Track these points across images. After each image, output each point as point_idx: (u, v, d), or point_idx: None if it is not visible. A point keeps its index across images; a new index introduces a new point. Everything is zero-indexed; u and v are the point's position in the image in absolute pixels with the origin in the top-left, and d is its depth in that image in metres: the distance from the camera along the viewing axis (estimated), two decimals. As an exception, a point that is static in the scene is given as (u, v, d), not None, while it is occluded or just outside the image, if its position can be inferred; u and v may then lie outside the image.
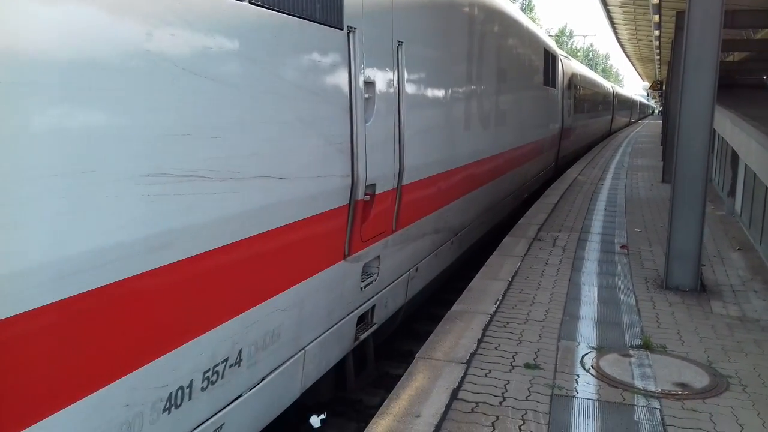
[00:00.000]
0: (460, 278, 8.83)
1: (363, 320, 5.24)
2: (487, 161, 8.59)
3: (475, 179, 8.11)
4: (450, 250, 7.53)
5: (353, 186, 4.47)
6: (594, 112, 29.28)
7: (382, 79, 4.89)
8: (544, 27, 73.35)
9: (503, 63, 9.35)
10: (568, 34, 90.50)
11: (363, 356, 5.81)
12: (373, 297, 5.24)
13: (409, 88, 5.52)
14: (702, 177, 6.87)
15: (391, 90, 5.08)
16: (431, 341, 5.31)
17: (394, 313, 5.95)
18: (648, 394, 4.40)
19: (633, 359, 4.99)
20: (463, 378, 4.60)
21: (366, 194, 4.67)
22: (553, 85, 15.44)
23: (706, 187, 6.91)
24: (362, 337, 5.19)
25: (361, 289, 4.96)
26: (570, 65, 20.24)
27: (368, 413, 5.54)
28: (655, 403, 4.28)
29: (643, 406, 4.23)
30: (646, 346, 5.22)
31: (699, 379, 4.65)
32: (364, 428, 3.98)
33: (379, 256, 5.18)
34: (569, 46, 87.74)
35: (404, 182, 5.39)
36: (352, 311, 4.88)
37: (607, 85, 40.58)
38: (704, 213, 6.92)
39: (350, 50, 4.35)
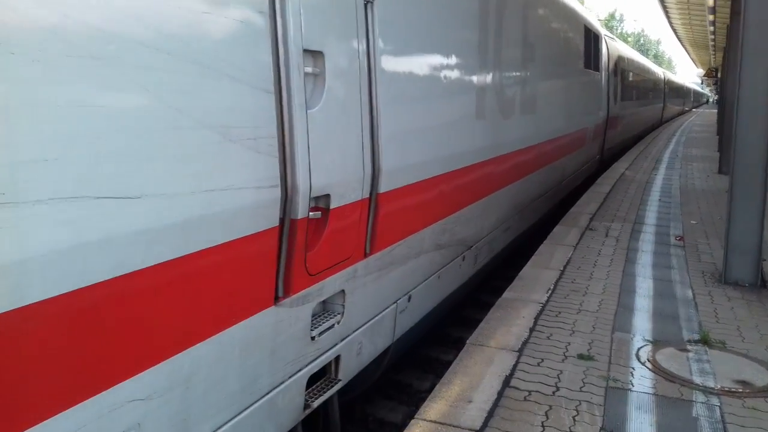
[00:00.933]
0: (510, 266, 8.76)
1: (324, 374, 4.03)
2: (510, 157, 7.25)
3: (495, 179, 6.81)
4: (462, 268, 6.23)
5: (286, 200, 3.20)
6: (644, 99, 27.39)
7: (338, 47, 3.59)
8: (593, 11, 71.64)
9: (531, 38, 7.90)
10: (618, 18, 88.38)
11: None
12: (335, 346, 3.97)
13: (389, 63, 4.20)
14: (762, 167, 6.63)
15: (356, 64, 3.78)
16: (482, 328, 5.28)
17: (378, 356, 4.68)
18: (707, 391, 4.30)
19: (691, 354, 4.88)
20: (515, 366, 4.57)
21: (314, 209, 3.43)
22: (597, 68, 13.68)
23: (766, 178, 6.68)
24: (318, 401, 3.85)
25: (313, 338, 3.69)
26: (616, 47, 18.73)
27: (419, 397, 5.56)
28: (715, 400, 4.18)
29: (702, 403, 4.13)
30: (705, 341, 5.10)
31: (760, 377, 4.52)
32: (415, 412, 4.00)
33: (343, 291, 3.94)
34: (619, 31, 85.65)
35: (382, 189, 4.14)
36: (297, 371, 3.59)
37: (658, 71, 38.68)
38: (765, 205, 6.69)
39: (276, 4, 3.10)
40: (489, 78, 6.40)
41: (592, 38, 12.90)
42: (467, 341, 5.00)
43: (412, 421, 3.80)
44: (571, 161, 11.81)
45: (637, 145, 24.41)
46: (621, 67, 18.97)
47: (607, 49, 16.04)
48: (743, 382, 4.44)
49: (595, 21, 15.04)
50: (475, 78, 6.00)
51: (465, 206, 5.91)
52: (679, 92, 56.30)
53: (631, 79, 22.20)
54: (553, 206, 10.81)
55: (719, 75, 32.64)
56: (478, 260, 6.80)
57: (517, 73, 7.49)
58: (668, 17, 40.73)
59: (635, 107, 23.83)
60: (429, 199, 5.04)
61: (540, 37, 8.53)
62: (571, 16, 10.98)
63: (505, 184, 7.24)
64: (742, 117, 6.69)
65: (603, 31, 16.29)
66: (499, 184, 6.98)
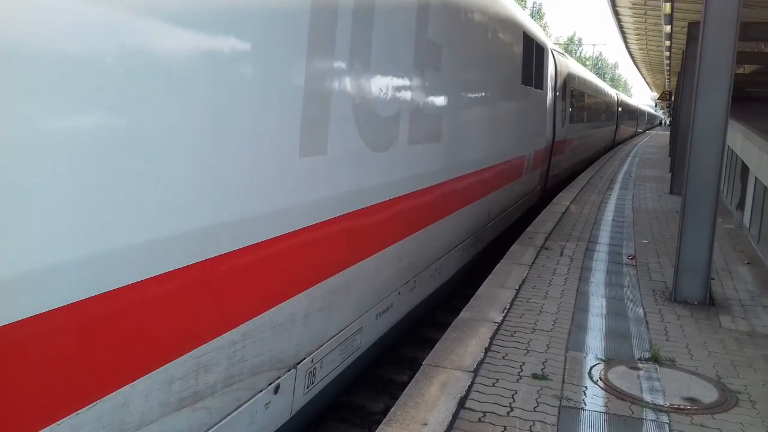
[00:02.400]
0: (468, 285, 8.80)
1: None
2: (394, 205, 5.16)
3: (365, 240, 4.75)
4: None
5: None
6: (596, 121, 25.71)
7: None
8: (553, 35, 73.19)
9: (438, 43, 5.83)
10: (577, 42, 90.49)
11: None
12: None
13: None
14: (714, 189, 6.84)
15: None
16: (438, 349, 5.28)
17: None
18: (657, 408, 4.36)
19: (641, 372, 4.96)
20: (470, 387, 4.57)
21: None
22: (540, 86, 11.68)
23: (717, 200, 6.88)
24: None
25: None
26: (566, 64, 16.92)
27: (373, 419, 5.52)
28: (664, 418, 4.24)
29: (652, 420, 4.19)
30: (655, 359, 5.19)
31: (708, 394, 4.61)
32: (370, 435, 3.96)
33: None
34: (578, 54, 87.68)
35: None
36: None
37: (612, 92, 37.21)
38: (715, 226, 6.88)
39: None
40: (363, 95, 4.43)
41: (534, 50, 10.86)
42: (423, 362, 4.99)
43: (365, 444, 3.76)
44: (502, 198, 9.48)
45: (589, 169, 23.37)
46: (571, 86, 17.53)
47: (555, 65, 14.38)
48: (692, 399, 4.52)
49: (540, 31, 12.56)
50: (335, 93, 4.01)
51: (291, 295, 3.76)
52: (632, 114, 55.78)
53: (581, 99, 20.68)
54: (474, 256, 8.57)
55: (673, 98, 33.64)
56: (343, 354, 4.70)
57: (411, 90, 5.26)
58: (626, 42, 41.84)
59: (586, 130, 22.15)
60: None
61: (453, 41, 6.29)
62: (505, 21, 8.74)
63: (383, 245, 5.07)
64: (696, 140, 6.88)
65: (550, 44, 14.54)
66: (371, 246, 4.91)
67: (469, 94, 7.27)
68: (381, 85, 4.74)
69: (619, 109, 39.39)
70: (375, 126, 4.69)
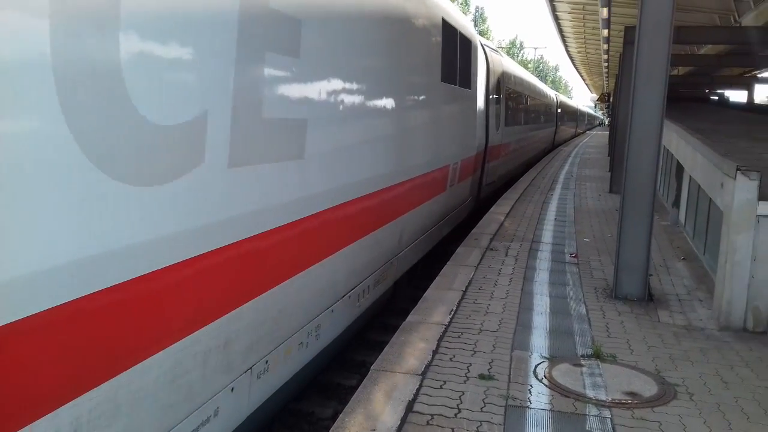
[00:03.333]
0: (415, 288, 8.85)
1: None
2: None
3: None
4: None
5: None
6: (534, 123, 24.41)
7: None
8: (496, 39, 74.27)
9: (306, 18, 4.36)
10: (519, 46, 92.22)
11: None
12: None
13: None
14: (651, 190, 7.06)
15: None
16: (386, 353, 5.28)
17: None
18: (599, 404, 4.47)
19: (584, 369, 5.07)
20: (418, 390, 4.59)
21: None
22: (467, 84, 10.12)
23: (654, 199, 7.10)
24: None
25: None
26: (499, 62, 15.51)
27: (322, 425, 5.49)
28: (606, 413, 4.34)
29: (595, 416, 4.29)
30: (597, 355, 5.31)
31: (648, 388, 4.75)
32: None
33: None
34: (520, 57, 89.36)
35: None
36: None
37: (551, 92, 35.84)
38: (652, 224, 7.10)
39: None
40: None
41: (458, 43, 9.33)
42: (371, 367, 4.99)
43: (313, 452, 3.73)
44: (418, 218, 7.78)
45: (532, 170, 22.92)
46: (506, 86, 16.15)
47: (488, 62, 13.20)
48: (632, 394, 4.64)
49: (467, 22, 11.01)
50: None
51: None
52: (572, 115, 54.95)
53: (518, 100, 19.41)
54: (381, 295, 6.95)
55: (611, 99, 34.58)
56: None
57: (233, 80, 3.52)
58: (566, 45, 42.85)
59: (524, 132, 20.61)
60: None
61: (324, 16, 4.71)
62: (423, 10, 7.44)
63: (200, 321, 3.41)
64: (633, 141, 7.08)
65: (481, 39, 13.00)
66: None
67: (357, 92, 5.44)
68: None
69: (559, 110, 38.60)
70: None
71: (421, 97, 7.60)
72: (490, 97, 13.60)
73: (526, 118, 21.68)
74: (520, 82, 20.32)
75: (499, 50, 18.82)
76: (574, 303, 6.81)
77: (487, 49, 13.98)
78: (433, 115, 8.16)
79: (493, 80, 14.01)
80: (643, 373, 5.04)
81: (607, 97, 48.91)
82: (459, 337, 5.69)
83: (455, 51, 9.22)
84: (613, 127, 25.14)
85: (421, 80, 7.60)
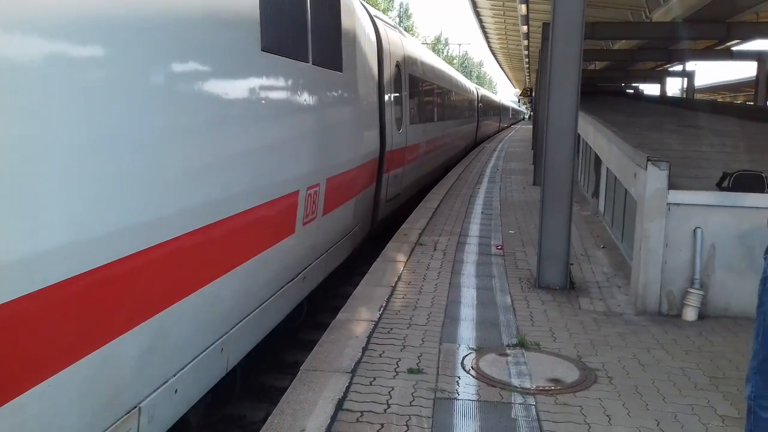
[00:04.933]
0: (347, 284, 8.86)
1: None
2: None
3: None
4: None
5: None
6: (451, 119, 21.14)
7: None
8: (420, 35, 75.01)
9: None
10: (443, 42, 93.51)
11: None
12: None
13: None
14: (569, 181, 7.30)
15: None
16: (316, 352, 5.27)
17: None
18: (524, 392, 4.59)
19: (510, 358, 5.20)
20: (348, 387, 4.60)
21: None
22: (334, 64, 6.96)
23: (572, 191, 7.35)
24: None
25: None
26: (399, 44, 11.98)
27: (253, 429, 5.42)
28: (531, 400, 4.47)
29: (520, 404, 4.41)
30: (522, 344, 5.46)
31: (570, 374, 4.91)
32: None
33: None
34: (445, 53, 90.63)
35: None
36: None
37: (470, 85, 32.63)
38: (571, 215, 7.34)
39: None
40: None
41: (327, 4, 6.76)
42: (301, 368, 4.97)
43: (242, 457, 3.69)
44: (255, 277, 5.05)
45: (459, 165, 22.28)
46: (411, 73, 12.92)
47: (379, 39, 9.91)
48: (555, 380, 4.80)
49: None
50: None
51: None
52: (496, 109, 52.76)
53: (429, 92, 16.43)
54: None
55: (533, 94, 35.53)
56: None
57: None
58: (488, 41, 43.74)
59: (438, 130, 17.52)
60: None
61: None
62: None
63: None
64: (551, 135, 7.30)
65: (371, 10, 10.50)
66: None
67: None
68: None
69: (480, 104, 35.70)
70: None
71: (204, 83, 4.07)
72: (386, 87, 10.24)
73: (441, 114, 18.67)
74: (431, 70, 16.90)
75: (400, 29, 14.08)
76: (500, 294, 6.97)
77: (379, 22, 10.40)
78: (245, 112, 4.67)
79: (389, 65, 10.62)
80: (566, 359, 5.21)
81: (529, 92, 50.29)
82: (389, 332, 5.73)
83: (302, 7, 5.93)
84: (535, 121, 25.86)
85: (201, 47, 4.01)
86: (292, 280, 6.06)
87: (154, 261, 3.58)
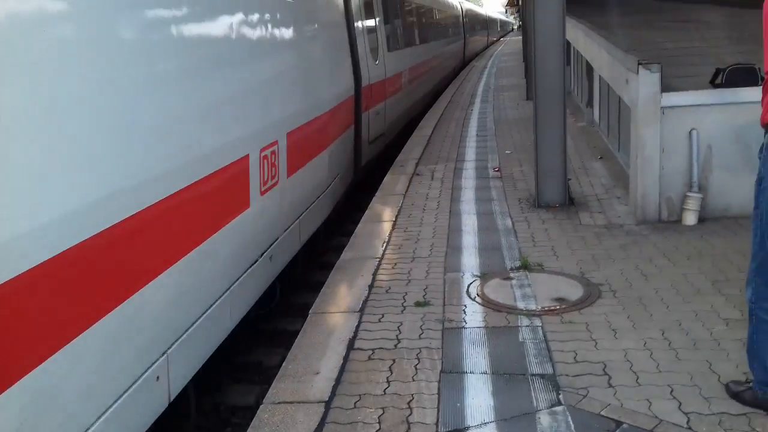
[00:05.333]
0: (351, 221, 8.89)
1: None
2: None
3: None
4: None
5: None
6: (434, 40, 19.65)
7: None
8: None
9: None
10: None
11: None
12: None
13: None
14: (560, 95, 7.19)
15: None
16: (323, 294, 5.34)
17: None
18: (530, 314, 4.66)
19: (514, 281, 5.26)
20: (357, 327, 4.67)
21: None
22: None
23: (564, 104, 7.24)
24: None
25: None
26: None
27: (270, 374, 5.54)
28: (537, 321, 4.54)
29: (527, 326, 4.48)
30: (525, 266, 5.51)
31: (574, 291, 4.98)
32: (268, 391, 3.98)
33: None
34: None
35: None
36: None
37: (453, 1, 29.82)
38: (565, 130, 7.26)
39: None
40: None
41: None
42: (309, 311, 5.04)
43: (261, 407, 3.78)
44: (197, 275, 3.99)
45: (450, 87, 21.71)
46: None
47: None
48: (560, 299, 4.86)
49: None
50: None
51: None
52: (483, 24, 50.33)
53: (408, 14, 15.22)
54: None
55: (520, 3, 34.50)
56: None
57: None
58: (467, -49, 42.14)
59: (422, 54, 16.25)
60: None
61: None
62: None
63: None
64: (539, 47, 7.14)
65: None
66: None
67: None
68: None
69: (466, 20, 33.71)
70: None
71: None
72: (355, 11, 9.07)
73: (424, 35, 17.18)
74: None
75: None
76: (500, 217, 6.99)
77: None
78: (137, 58, 3.36)
79: None
80: (569, 277, 5.26)
81: (516, 2, 48.85)
82: (393, 267, 5.78)
83: None
84: (524, 32, 25.24)
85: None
86: (254, 264, 4.94)
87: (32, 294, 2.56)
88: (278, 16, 5.60)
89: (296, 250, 6.16)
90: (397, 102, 12.11)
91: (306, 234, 6.46)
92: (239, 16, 4.68)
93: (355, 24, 8.98)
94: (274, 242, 5.44)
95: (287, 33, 5.88)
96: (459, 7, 31.53)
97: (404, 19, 14.46)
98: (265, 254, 5.18)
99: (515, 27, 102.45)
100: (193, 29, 4.03)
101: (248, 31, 4.82)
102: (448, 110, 16.10)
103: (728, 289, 4.78)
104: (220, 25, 4.42)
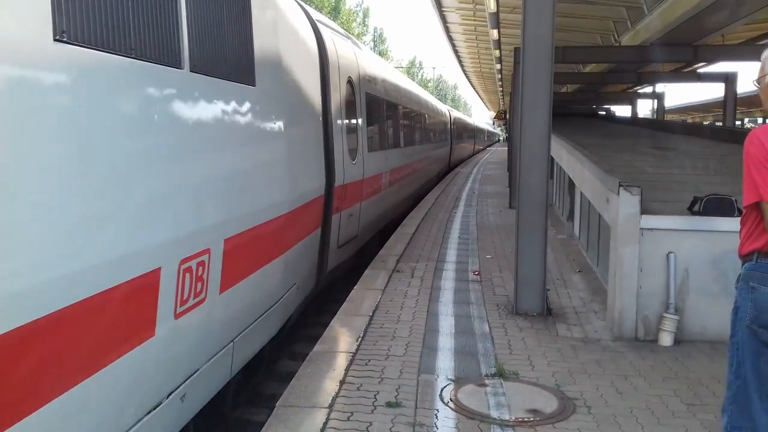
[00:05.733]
0: (324, 312, 8.79)
1: None
2: None
3: None
4: None
5: None
6: (419, 144, 18.99)
7: None
8: (395, 59, 75.68)
9: None
10: (417, 65, 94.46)
11: None
12: None
13: None
14: (543, 208, 7.34)
15: None
16: (293, 386, 5.19)
17: None
18: (503, 424, 4.56)
19: (489, 389, 5.17)
20: (325, 424, 4.53)
21: None
22: (273, 81, 5.84)
23: (546, 217, 7.39)
24: None
25: None
26: (352, 57, 10.20)
27: (229, 467, 5.31)
28: (510, 432, 4.44)
29: (500, 437, 4.38)
30: (500, 374, 5.44)
31: (549, 404, 4.89)
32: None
33: None
34: (419, 77, 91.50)
35: None
36: None
37: (442, 107, 30.75)
38: (546, 241, 7.37)
39: None
40: None
41: None
42: (277, 403, 4.89)
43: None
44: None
45: (435, 189, 21.82)
46: (369, 92, 11.15)
47: (322, 48, 8.19)
48: (534, 411, 4.77)
49: None
50: None
51: None
52: (470, 132, 51.64)
53: (392, 114, 14.28)
54: None
55: (507, 116, 35.89)
56: None
57: None
58: (461, 64, 44.18)
59: (404, 157, 15.36)
60: None
61: None
62: None
63: None
64: (524, 161, 7.35)
65: (315, 14, 8.91)
66: None
67: None
68: None
69: (453, 127, 33.60)
70: None
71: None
72: (335, 108, 8.46)
73: (409, 138, 16.61)
74: (395, 89, 14.83)
75: (356, 41, 12.00)
76: (478, 321, 6.96)
77: (324, 29, 8.71)
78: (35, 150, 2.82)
79: (339, 81, 8.83)
80: (544, 389, 5.19)
81: (503, 114, 50.81)
82: (366, 364, 5.67)
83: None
84: (510, 144, 26.11)
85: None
86: (156, 408, 3.88)
87: None
88: (230, 102, 4.84)
89: (224, 381, 5.10)
90: (375, 204, 11.31)
91: (242, 359, 5.41)
92: (174, 105, 4.03)
93: (334, 121, 8.39)
94: (190, 377, 4.32)
95: (238, 122, 5.06)
96: (448, 113, 31.86)
97: (389, 119, 13.87)
98: (174, 394, 4.09)
99: (501, 138, 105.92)
100: (114, 123, 3.38)
101: (174, 118, 4.03)
102: (432, 210, 16.33)
103: (703, 413, 4.73)
104: (147, 115, 3.70)
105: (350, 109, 9.69)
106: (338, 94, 8.78)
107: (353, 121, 9.95)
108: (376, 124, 11.93)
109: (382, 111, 12.92)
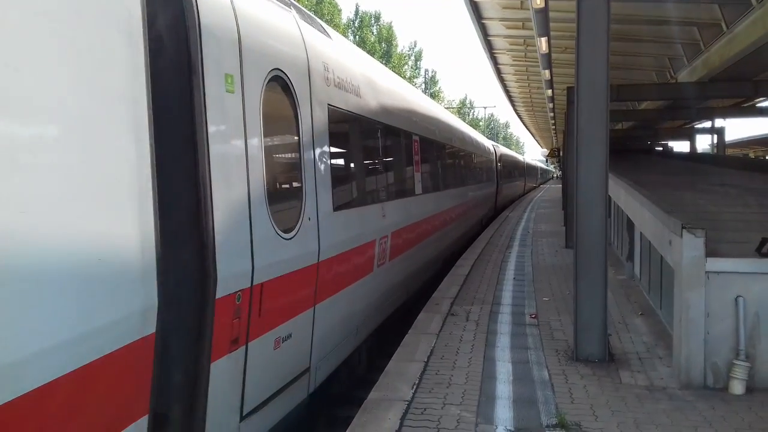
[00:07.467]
0: (381, 356, 8.71)
1: None
2: None
3: None
4: None
5: None
6: (451, 187, 14.71)
7: None
8: (446, 99, 76.14)
9: None
10: (469, 104, 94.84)
11: None
12: None
13: None
14: (602, 248, 7.15)
15: None
16: (348, 436, 5.13)
17: None
18: (567, 478, 4.38)
19: (550, 440, 4.99)
20: (382, 475, 4.44)
21: None
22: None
23: (606, 259, 7.19)
24: None
25: None
26: (289, 35, 5.53)
27: None
28: (575, 488, 4.26)
29: (563, 492, 4.20)
30: (562, 424, 5.25)
31: (614, 457, 4.68)
32: None
33: None
34: (471, 116, 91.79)
35: None
36: None
37: (486, 142, 27.02)
38: (606, 285, 7.16)
39: None
40: None
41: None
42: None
43: None
44: None
45: (489, 227, 22.02)
46: (333, 104, 6.40)
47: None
48: (599, 465, 4.57)
49: None
50: None
51: None
52: (521, 170, 48.50)
53: (395, 146, 9.61)
54: None
55: (561, 153, 35.45)
56: None
57: None
58: (513, 104, 44.18)
59: (422, 207, 10.95)
60: None
61: None
62: None
63: None
64: (581, 201, 7.20)
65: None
66: None
67: None
68: None
69: (500, 165, 29.78)
70: None
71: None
72: (217, 130, 4.23)
73: (430, 181, 12.09)
74: (401, 110, 10.03)
75: (320, 23, 7.10)
76: (537, 368, 6.77)
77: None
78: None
79: (241, 78, 4.57)
80: (609, 440, 4.98)
81: (557, 152, 50.24)
82: (422, 413, 5.57)
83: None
84: (564, 182, 25.73)
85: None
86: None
87: None
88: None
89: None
90: (359, 292, 7.17)
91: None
92: None
93: (214, 159, 4.22)
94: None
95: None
96: (493, 150, 28.44)
97: (392, 154, 9.59)
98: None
99: (555, 175, 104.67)
100: None
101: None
102: (486, 251, 16.13)
103: (782, 471, 4.45)
104: None
105: (281, 134, 5.52)
106: (234, 106, 4.48)
107: (290, 155, 5.70)
108: (356, 160, 7.68)
109: (376, 140, 8.57)
